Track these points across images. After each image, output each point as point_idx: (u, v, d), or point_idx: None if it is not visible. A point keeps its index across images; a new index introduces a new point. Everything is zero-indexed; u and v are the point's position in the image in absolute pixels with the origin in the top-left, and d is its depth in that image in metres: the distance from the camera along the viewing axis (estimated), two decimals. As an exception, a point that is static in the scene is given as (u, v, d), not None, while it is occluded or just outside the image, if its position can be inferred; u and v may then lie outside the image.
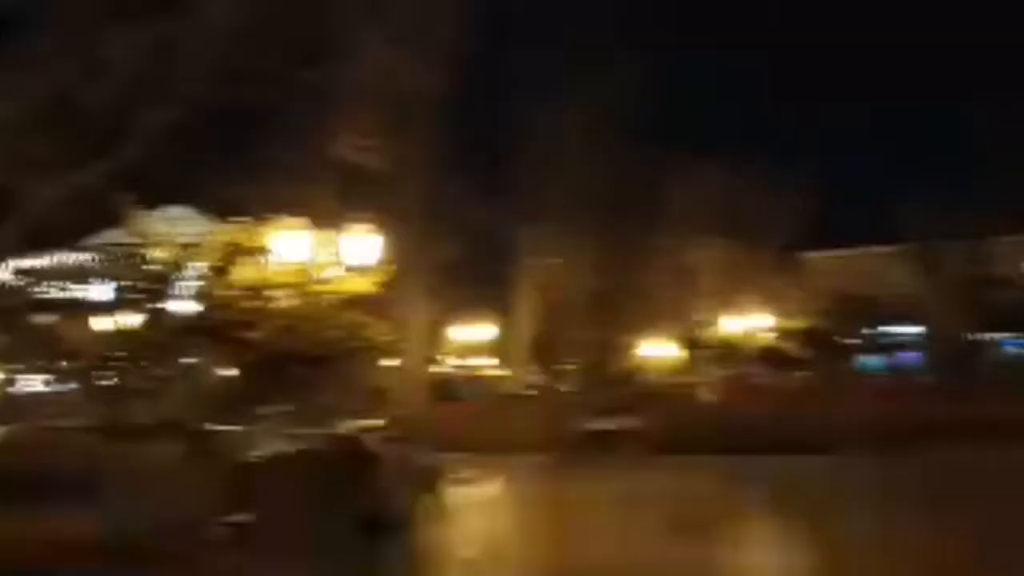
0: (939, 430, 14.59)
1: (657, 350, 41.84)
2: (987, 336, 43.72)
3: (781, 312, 36.94)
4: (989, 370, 35.70)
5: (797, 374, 36.85)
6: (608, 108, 30.30)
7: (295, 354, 10.62)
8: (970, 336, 41.14)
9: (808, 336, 39.32)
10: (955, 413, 15.52)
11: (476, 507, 10.59)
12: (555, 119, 30.38)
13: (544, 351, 34.93)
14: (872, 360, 47.95)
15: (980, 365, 36.46)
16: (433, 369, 36.34)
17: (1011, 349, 44.30)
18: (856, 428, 14.82)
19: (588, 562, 7.52)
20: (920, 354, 45.29)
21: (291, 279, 10.17)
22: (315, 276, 10.14)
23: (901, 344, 48.55)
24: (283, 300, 10.51)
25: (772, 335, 37.29)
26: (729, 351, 37.06)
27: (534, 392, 32.07)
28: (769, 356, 38.18)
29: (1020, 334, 43.36)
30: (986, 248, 43.81)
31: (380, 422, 10.50)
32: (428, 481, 9.52)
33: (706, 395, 20.19)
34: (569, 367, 36.93)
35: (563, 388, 33.26)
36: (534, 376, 36.61)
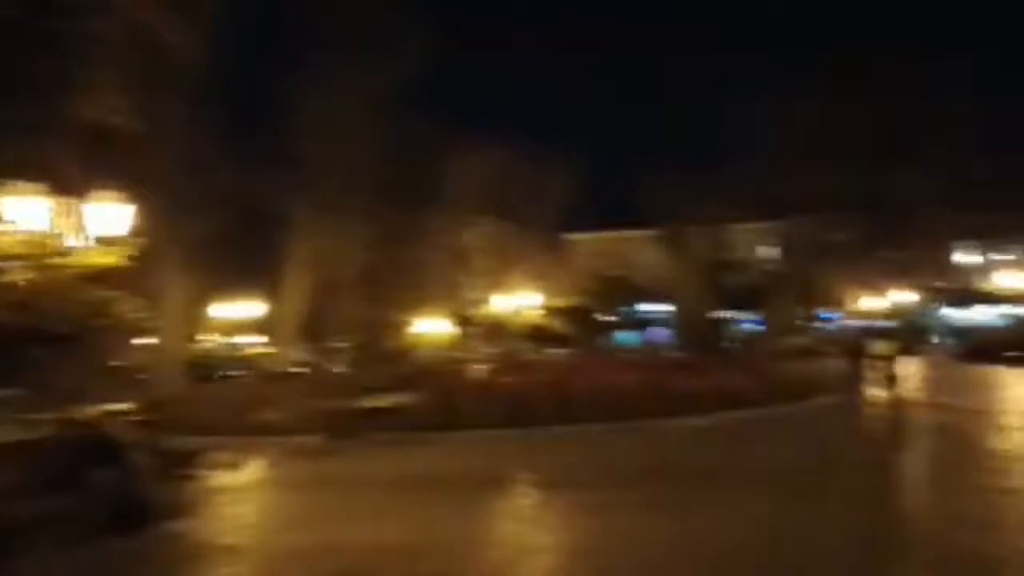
0: (672, 399, 16.14)
1: (430, 327, 42.37)
2: (727, 314, 48.59)
3: (547, 291, 38.79)
4: (727, 345, 39.69)
5: (562, 350, 38.89)
6: (385, 84, 30.01)
7: (30, 333, 9.62)
8: (712, 314, 45.47)
9: (571, 313, 41.73)
10: (689, 384, 17.13)
11: (237, 492, 10.14)
12: (330, 92, 29.64)
13: (315, 329, 34.15)
14: (627, 336, 51.74)
15: (719, 340, 40.38)
16: (194, 347, 34.35)
17: (747, 326, 49.55)
18: (602, 400, 15.82)
19: (357, 541, 7.48)
20: (669, 330, 49.54)
21: (25, 250, 9.11)
22: (54, 247, 9.16)
23: (653, 321, 52.87)
24: (16, 273, 9.42)
25: (539, 313, 39.07)
26: (499, 328, 38.35)
27: (303, 370, 31.31)
28: (536, 333, 40.04)
29: (754, 312, 48.56)
30: (726, 234, 48.51)
31: (128, 405, 9.79)
32: (183, 466, 9.00)
33: (477, 371, 20.52)
34: (341, 345, 36.40)
35: (334, 366, 32.74)
36: (304, 354, 35.75)
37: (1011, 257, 45.03)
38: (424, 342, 43.06)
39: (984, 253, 50.01)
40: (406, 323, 38.98)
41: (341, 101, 29.76)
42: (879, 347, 21.40)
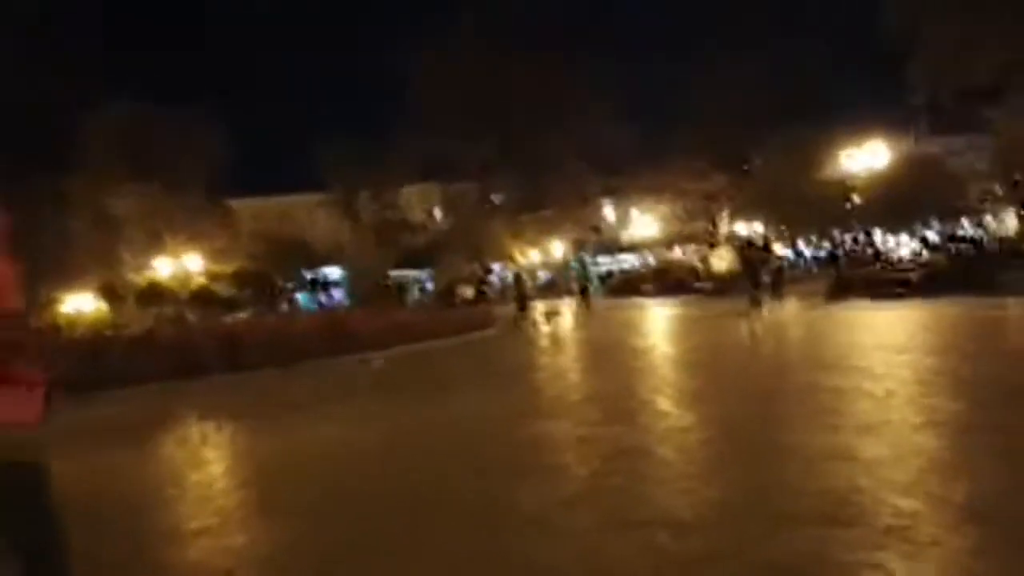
0: (348, 339, 16.28)
1: (81, 302, 38.18)
2: (402, 273, 49.72)
3: (212, 255, 36.81)
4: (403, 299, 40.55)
5: (238, 315, 37.13)
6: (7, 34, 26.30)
7: None
8: (387, 273, 46.25)
9: (244, 278, 40.00)
10: (365, 325, 17.34)
11: None
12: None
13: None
14: (304, 297, 50.97)
15: (396, 297, 41.05)
16: None
17: (425, 284, 51.21)
18: (276, 346, 15.45)
19: None
20: (344, 291, 49.62)
21: None
22: None
23: (331, 283, 52.56)
24: None
25: (202, 277, 36.99)
26: (160, 294, 35.68)
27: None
28: (203, 298, 37.84)
29: (428, 270, 50.24)
30: (396, 197, 49.43)
31: None
32: None
33: (132, 331, 18.84)
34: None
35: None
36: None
37: (640, 211, 51.14)
38: (75, 320, 38.71)
39: (622, 209, 56.15)
40: (52, 300, 34.78)
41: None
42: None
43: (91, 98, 30.92)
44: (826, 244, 51.16)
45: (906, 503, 3.68)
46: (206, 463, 6.83)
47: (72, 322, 39.55)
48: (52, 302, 35.86)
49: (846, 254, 32.28)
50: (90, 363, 14.51)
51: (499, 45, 39.31)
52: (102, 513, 5.24)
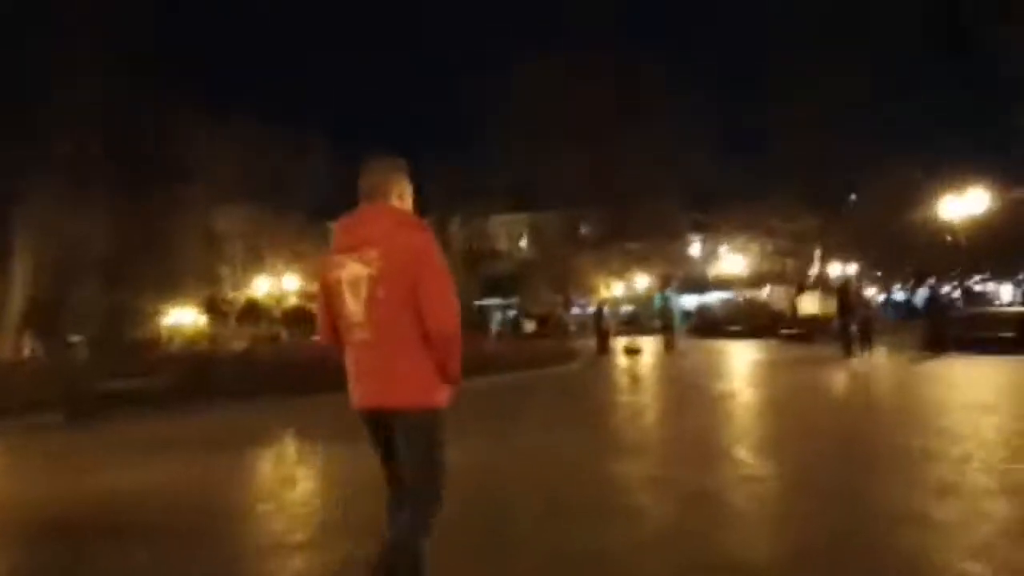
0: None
1: (183, 315, 40.07)
2: (487, 301, 50.45)
3: (309, 276, 38.20)
4: (488, 327, 41.12)
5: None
6: (125, 49, 28.08)
7: None
8: (473, 301, 46.98)
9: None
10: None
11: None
12: (67, 54, 27.24)
13: (47, 319, 31.12)
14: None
15: (481, 324, 41.72)
16: None
17: (509, 312, 51.80)
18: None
19: (108, 487, 7.17)
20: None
21: None
22: None
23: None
24: None
25: (300, 297, 38.36)
26: (257, 311, 37.18)
27: (32, 357, 28.48)
28: (296, 316, 39.28)
29: (512, 299, 50.86)
30: (484, 225, 50.33)
31: None
32: None
33: (234, 347, 19.83)
34: (77, 339, 33.47)
35: (71, 355, 30.01)
36: (30, 345, 32.42)
37: (729, 249, 50.54)
38: (177, 332, 40.65)
39: (710, 245, 55.62)
40: (155, 312, 36.62)
41: (72, 69, 27.46)
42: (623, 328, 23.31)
43: (205, 115, 32.59)
44: (922, 291, 49.50)
45: (972, 566, 3.80)
46: (299, 480, 7.29)
47: (173, 334, 41.67)
48: (156, 313, 37.80)
49: (943, 302, 31.24)
50: (194, 376, 15.47)
51: (595, 75, 39.81)
52: (201, 522, 5.74)
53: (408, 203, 3.38)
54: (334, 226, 3.39)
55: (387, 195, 3.29)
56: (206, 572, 4.45)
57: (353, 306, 3.13)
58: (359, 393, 3.19)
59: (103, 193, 28.17)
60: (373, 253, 3.08)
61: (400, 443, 3.15)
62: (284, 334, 36.80)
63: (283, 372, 15.63)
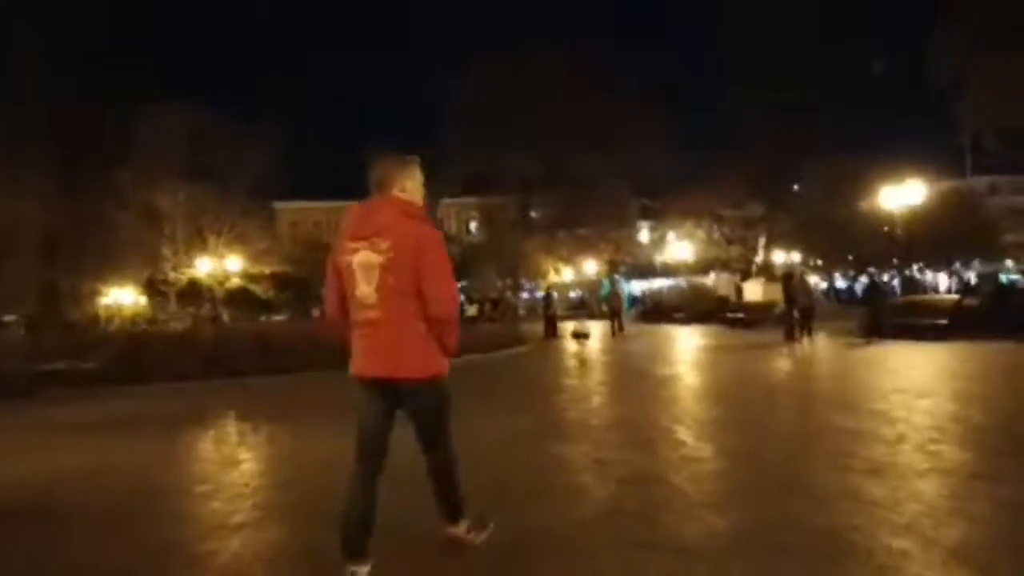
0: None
1: (122, 296, 39.07)
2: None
3: (251, 257, 37.60)
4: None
5: (275, 317, 37.78)
6: (67, 32, 27.34)
7: None
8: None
9: (277, 280, 40.79)
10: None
11: None
12: (7, 42, 26.44)
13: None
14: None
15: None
16: None
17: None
18: (314, 350, 15.80)
19: (37, 469, 6.97)
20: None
21: None
22: None
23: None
24: None
25: (240, 278, 37.72)
26: (198, 292, 36.45)
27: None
28: (238, 298, 38.64)
29: (462, 283, 50.71)
30: (434, 209, 50.04)
31: None
32: None
33: (172, 328, 19.42)
34: (10, 318, 32.47)
35: (4, 335, 29.11)
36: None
37: (676, 235, 51.10)
38: (115, 313, 39.62)
39: (657, 231, 56.18)
40: (93, 292, 35.66)
41: (10, 50, 26.65)
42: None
43: (146, 97, 31.85)
44: (863, 279, 50.78)
45: (901, 543, 3.92)
46: (239, 461, 7.18)
47: (112, 314, 40.63)
48: (95, 293, 36.83)
49: (882, 290, 32.10)
50: (131, 357, 15.11)
51: (547, 63, 39.83)
52: (143, 505, 5.63)
53: (414, 195, 3.78)
54: (347, 213, 3.76)
55: (391, 187, 3.70)
56: (144, 554, 4.36)
57: (365, 289, 3.56)
58: (367, 365, 3.63)
59: (38, 172, 27.34)
60: (384, 244, 3.51)
61: (409, 408, 3.71)
62: (225, 315, 36.15)
63: (223, 354, 15.37)
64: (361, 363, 3.65)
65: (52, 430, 9.77)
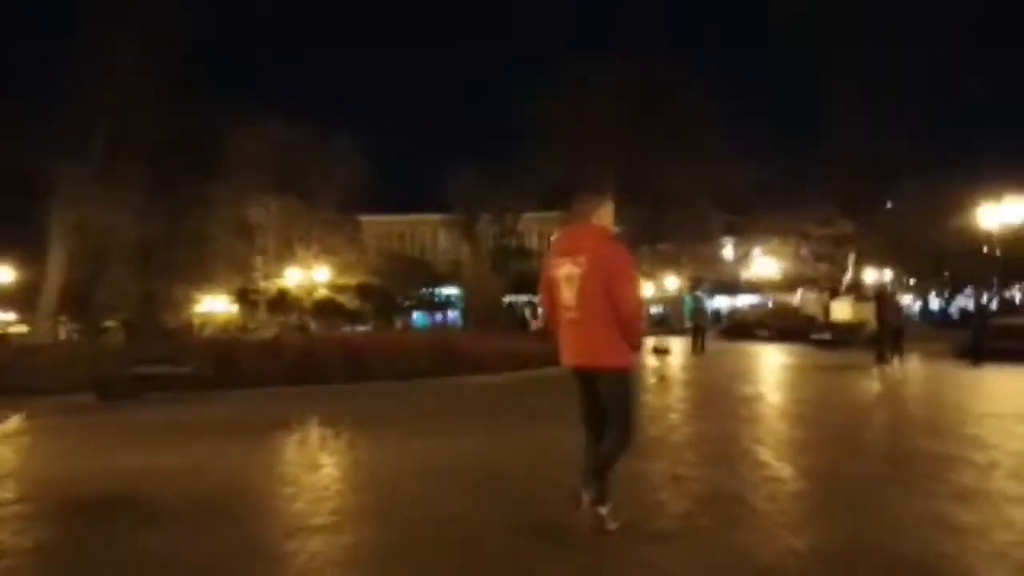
0: (460, 360, 16.88)
1: (215, 304, 40.54)
2: (515, 297, 50.42)
3: (337, 268, 38.54)
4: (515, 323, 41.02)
5: (357, 328, 38.61)
6: (162, 47, 28.54)
7: None
8: (501, 297, 46.98)
9: (365, 292, 41.71)
10: (476, 347, 17.97)
11: (8, 437, 9.56)
12: (106, 52, 27.78)
13: (81, 304, 31.69)
14: (422, 317, 52.45)
15: (508, 321, 41.59)
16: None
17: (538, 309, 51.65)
18: (393, 361, 16.19)
19: (134, 465, 7.31)
20: (459, 312, 50.76)
21: None
22: None
23: (447, 304, 53.93)
24: None
25: (330, 290, 38.69)
26: (287, 302, 37.55)
27: (67, 340, 29.01)
28: (327, 309, 39.65)
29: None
30: (514, 222, 50.35)
31: None
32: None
33: (263, 336, 20.05)
34: (111, 324, 34.04)
35: (105, 340, 30.52)
36: (67, 331, 33.04)
37: (761, 252, 49.95)
38: (208, 320, 41.14)
39: (742, 248, 55.07)
40: (188, 299, 37.10)
41: (114, 63, 28.00)
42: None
43: (239, 111, 33.05)
44: (957, 302, 48.72)
45: (990, 571, 3.76)
46: (322, 465, 7.38)
47: (205, 322, 42.22)
48: (189, 301, 38.34)
49: (985, 313, 30.65)
50: (223, 363, 15.68)
51: (631, 76, 39.67)
52: (229, 504, 5.84)
53: (605, 221, 4.68)
54: (556, 236, 4.98)
55: (589, 217, 4.64)
56: (228, 552, 4.53)
57: (567, 294, 4.48)
58: (570, 356, 4.58)
59: (135, 185, 28.64)
60: (583, 259, 4.42)
61: (602, 392, 4.51)
62: (313, 324, 37.12)
63: (310, 361, 15.81)
64: (567, 355, 4.59)
65: (148, 430, 10.21)
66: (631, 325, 4.42)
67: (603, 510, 4.49)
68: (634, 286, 4.53)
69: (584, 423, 4.70)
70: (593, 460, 4.54)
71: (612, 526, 4.50)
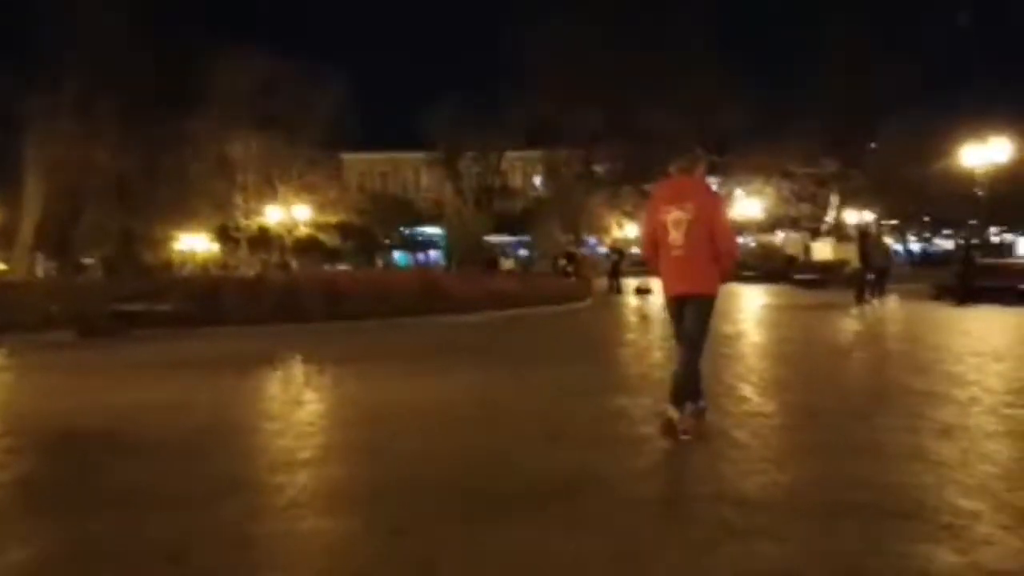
0: (443, 300, 16.79)
1: (195, 242, 40.14)
2: (498, 238, 50.23)
3: (320, 207, 38.10)
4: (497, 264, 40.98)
5: (338, 266, 38.38)
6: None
7: None
8: (484, 237, 46.78)
9: (346, 231, 41.36)
10: (459, 288, 17.90)
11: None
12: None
13: (58, 242, 31.28)
14: (403, 256, 52.19)
15: (490, 261, 41.52)
16: None
17: (519, 250, 51.54)
18: (375, 299, 16.10)
19: (120, 401, 7.28)
20: (441, 252, 50.53)
21: None
22: None
23: (429, 243, 53.56)
24: None
25: (311, 228, 38.34)
26: (268, 240, 37.22)
27: (45, 277, 28.70)
28: (306, 246, 39.31)
29: (522, 236, 50.55)
30: (498, 161, 49.75)
31: None
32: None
33: (243, 273, 19.86)
34: (89, 261, 33.67)
35: (84, 277, 30.22)
36: (42, 265, 32.64)
37: (744, 192, 49.79)
38: (189, 257, 40.80)
39: (725, 187, 54.80)
40: (167, 237, 36.71)
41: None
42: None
43: (219, 45, 32.21)
44: (938, 241, 49.09)
45: (969, 504, 3.81)
46: (306, 402, 7.38)
47: (185, 260, 41.88)
48: (168, 239, 37.93)
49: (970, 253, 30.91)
50: (204, 300, 15.55)
51: (614, 15, 38.97)
52: (214, 439, 5.83)
53: (703, 174, 5.65)
54: (660, 186, 6.01)
55: (692, 172, 5.52)
56: (213, 486, 4.52)
57: (675, 235, 5.29)
58: (674, 286, 5.45)
59: (114, 119, 28.00)
60: (689, 205, 5.26)
61: (689, 313, 5.37)
62: (294, 263, 36.89)
63: (292, 300, 15.70)
64: (670, 285, 5.47)
65: (130, 367, 10.16)
66: (728, 261, 5.46)
67: (689, 410, 5.35)
68: (730, 228, 5.55)
69: (678, 340, 5.55)
70: (678, 379, 5.36)
71: (693, 429, 5.31)
